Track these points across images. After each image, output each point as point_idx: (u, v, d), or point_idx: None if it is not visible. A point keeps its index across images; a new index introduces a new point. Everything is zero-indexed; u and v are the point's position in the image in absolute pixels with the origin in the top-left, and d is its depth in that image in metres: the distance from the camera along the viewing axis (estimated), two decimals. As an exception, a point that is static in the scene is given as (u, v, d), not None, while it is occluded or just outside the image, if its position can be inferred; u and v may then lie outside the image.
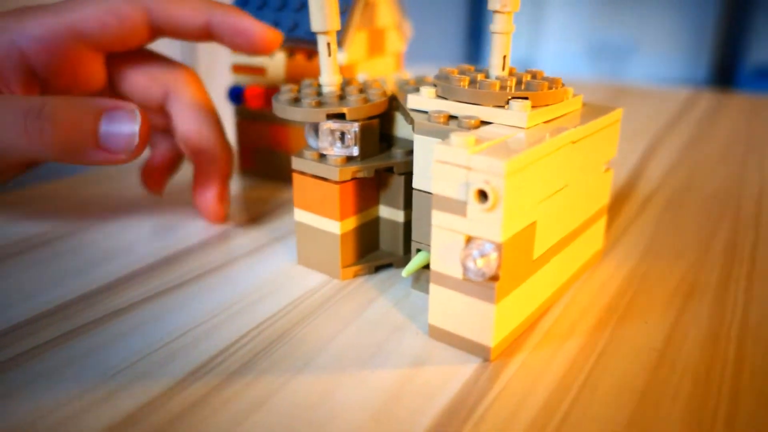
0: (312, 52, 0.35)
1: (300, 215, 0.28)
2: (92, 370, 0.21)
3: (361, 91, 0.27)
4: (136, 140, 0.25)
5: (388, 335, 0.24)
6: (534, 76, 0.26)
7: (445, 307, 0.23)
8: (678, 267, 0.29)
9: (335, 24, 0.26)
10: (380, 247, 0.29)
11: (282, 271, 0.28)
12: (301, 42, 0.35)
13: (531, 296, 0.24)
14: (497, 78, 0.25)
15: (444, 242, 0.22)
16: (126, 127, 0.25)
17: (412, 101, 0.26)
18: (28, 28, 0.27)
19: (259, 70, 0.37)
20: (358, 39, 0.35)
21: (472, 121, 0.24)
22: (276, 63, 0.36)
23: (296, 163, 0.27)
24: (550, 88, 0.25)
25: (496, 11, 0.25)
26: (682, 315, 0.25)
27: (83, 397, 0.20)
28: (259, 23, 0.29)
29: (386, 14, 0.38)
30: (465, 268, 0.21)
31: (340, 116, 0.26)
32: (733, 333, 0.24)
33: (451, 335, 0.23)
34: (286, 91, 0.27)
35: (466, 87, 0.24)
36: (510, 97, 0.24)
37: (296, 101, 0.26)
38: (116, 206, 0.35)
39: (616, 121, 0.27)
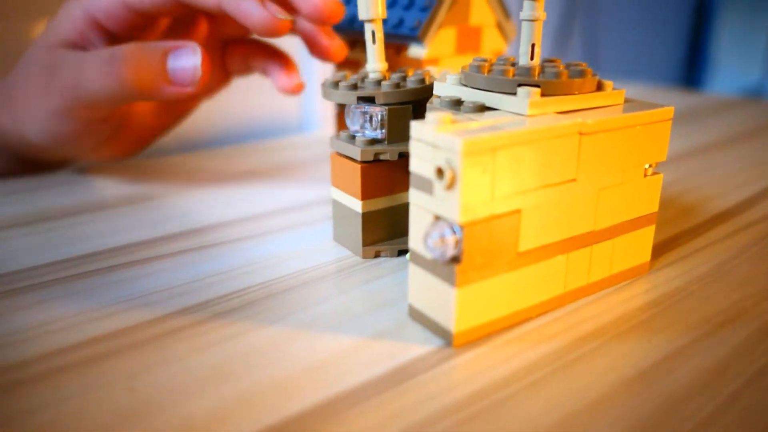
0: (400, 47, 0.36)
1: (335, 193, 0.29)
2: (108, 296, 0.25)
3: (404, 79, 0.28)
4: (199, 72, 0.29)
5: (373, 309, 0.24)
6: (567, 66, 0.25)
7: (420, 287, 0.23)
8: (732, 296, 0.25)
9: (379, 13, 0.28)
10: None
11: (316, 244, 0.30)
12: (395, 37, 0.36)
13: (517, 291, 0.23)
14: (523, 66, 0.24)
15: (418, 221, 0.22)
16: (189, 61, 0.29)
17: (438, 88, 0.26)
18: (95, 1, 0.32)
19: (355, 63, 0.39)
20: (444, 35, 0.36)
21: (476, 105, 0.23)
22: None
23: (333, 143, 0.29)
24: (571, 77, 0.24)
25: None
26: (697, 343, 0.22)
27: (85, 314, 0.23)
28: (264, 10, 0.29)
29: (483, 12, 0.38)
30: (426, 247, 0.21)
31: (371, 100, 0.27)
32: (738, 381, 0.20)
33: (424, 316, 0.23)
34: (337, 77, 0.29)
35: (484, 74, 0.24)
36: (518, 84, 0.23)
37: (337, 85, 0.28)
38: (217, 180, 0.40)
39: (664, 120, 0.25)
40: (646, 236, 0.26)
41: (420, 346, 0.22)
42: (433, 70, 0.32)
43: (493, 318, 0.22)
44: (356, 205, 0.28)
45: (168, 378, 0.20)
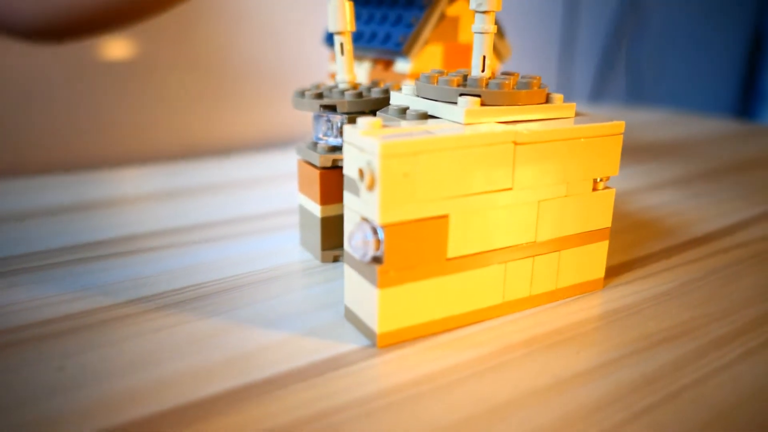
0: (389, 63, 0.37)
1: (300, 199, 0.30)
2: (67, 286, 0.26)
3: (369, 90, 0.29)
4: None
5: (314, 309, 0.25)
6: (519, 79, 0.25)
7: (352, 288, 0.23)
8: (682, 316, 0.25)
9: (347, 26, 0.29)
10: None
11: (282, 248, 0.31)
12: (382, 52, 0.37)
13: (448, 297, 0.23)
14: (472, 77, 0.25)
15: (349, 222, 0.23)
16: None
17: (394, 97, 0.27)
18: None
19: (346, 78, 0.40)
20: (430, 51, 0.37)
21: (418, 114, 0.24)
22: (362, 70, 0.39)
23: (298, 150, 0.29)
24: (516, 88, 0.24)
25: (475, 10, 0.25)
26: (627, 358, 0.22)
27: (38, 300, 0.25)
28: None
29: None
30: (350, 247, 0.22)
31: (335, 109, 0.28)
32: (655, 397, 0.20)
33: (355, 317, 0.23)
34: (306, 87, 0.30)
35: (432, 84, 0.25)
36: (460, 94, 0.24)
37: (303, 94, 0.29)
38: (210, 186, 0.41)
39: (613, 134, 0.25)
40: (599, 251, 0.26)
41: (346, 344, 0.22)
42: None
43: (421, 322, 0.23)
44: (316, 209, 0.29)
45: (99, 360, 0.21)
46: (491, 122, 0.23)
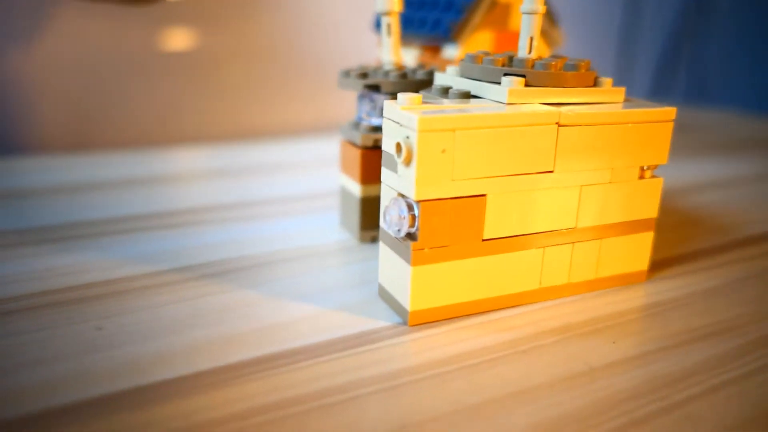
0: (437, 49, 0.37)
1: (342, 179, 0.30)
2: (110, 254, 0.27)
3: (414, 72, 0.29)
4: None
5: (348, 286, 0.25)
6: (566, 61, 0.24)
7: (386, 266, 0.23)
8: (729, 312, 0.24)
9: (395, 6, 0.28)
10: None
11: (324, 227, 0.31)
12: (431, 38, 0.37)
13: (482, 279, 0.22)
14: (518, 58, 0.24)
15: (386, 199, 0.22)
16: None
17: (438, 78, 0.27)
18: None
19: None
20: (479, 38, 0.36)
21: (461, 93, 0.24)
22: (410, 56, 0.39)
23: (342, 131, 0.30)
24: (562, 69, 0.23)
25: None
26: (666, 351, 0.21)
27: (83, 265, 0.26)
28: None
29: (525, 18, 0.37)
30: (385, 222, 0.22)
31: (378, 89, 0.28)
32: (691, 391, 0.19)
33: (388, 294, 0.23)
34: (354, 69, 0.30)
35: (477, 64, 0.24)
36: (504, 74, 0.23)
37: (349, 74, 0.29)
38: (257, 167, 0.42)
39: (663, 120, 0.24)
40: (643, 242, 0.25)
41: (376, 321, 0.22)
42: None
43: (454, 302, 0.22)
44: (356, 189, 0.29)
45: (135, 322, 0.22)
46: (535, 103, 0.23)
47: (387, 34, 0.29)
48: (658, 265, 0.28)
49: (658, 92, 1.07)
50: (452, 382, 0.19)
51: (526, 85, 0.23)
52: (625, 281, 0.26)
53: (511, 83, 0.22)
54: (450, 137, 0.20)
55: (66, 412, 0.17)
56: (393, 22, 0.29)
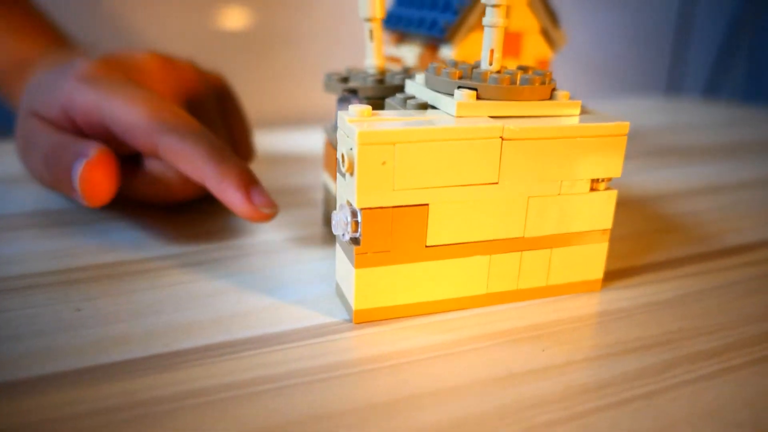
0: (435, 48, 0.38)
1: (324, 177, 0.32)
2: (88, 240, 0.30)
3: (394, 76, 0.30)
4: (76, 182, 0.27)
5: (313, 280, 0.27)
6: (525, 72, 0.25)
7: (339, 265, 0.25)
8: (671, 326, 0.24)
9: (377, 13, 0.30)
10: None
11: (307, 221, 0.33)
12: (428, 38, 0.38)
13: (426, 282, 0.24)
14: (476, 70, 0.25)
15: (339, 202, 0.24)
16: (77, 169, 0.27)
17: (408, 85, 0.28)
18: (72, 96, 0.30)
19: (397, 60, 0.41)
20: (475, 38, 0.37)
21: (418, 103, 0.25)
22: (412, 55, 0.40)
23: (325, 129, 0.31)
24: (514, 83, 0.24)
25: (485, 4, 0.25)
26: (591, 362, 0.22)
27: (68, 250, 0.29)
28: (248, 204, 0.27)
29: (524, 18, 0.38)
30: (332, 227, 0.23)
31: (355, 93, 0.29)
32: (599, 402, 0.20)
33: (341, 292, 0.25)
34: (339, 72, 0.32)
35: (436, 75, 0.25)
36: (458, 86, 0.24)
37: (330, 78, 0.31)
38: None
39: (615, 135, 0.24)
40: (597, 252, 0.26)
41: (327, 317, 0.24)
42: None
43: (398, 303, 0.24)
44: (335, 188, 0.30)
45: (111, 305, 0.24)
46: (484, 116, 0.24)
47: (369, 39, 0.30)
48: (620, 273, 0.28)
49: (714, 89, 1.03)
50: (378, 379, 0.20)
51: (478, 98, 0.24)
52: (578, 289, 0.26)
53: (462, 96, 0.23)
54: (390, 150, 0.22)
55: (32, 384, 0.19)
56: (375, 28, 0.30)
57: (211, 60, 0.62)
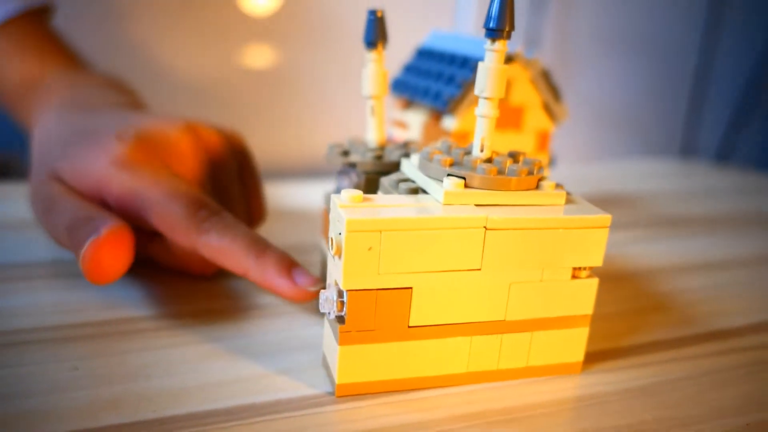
0: (439, 117, 0.39)
1: (322, 243, 0.33)
2: (115, 292, 0.31)
3: (393, 152, 0.31)
4: (87, 261, 0.27)
5: (301, 348, 0.28)
6: (515, 159, 0.26)
7: (327, 338, 0.26)
8: (642, 415, 0.25)
9: (379, 91, 0.31)
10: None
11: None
12: (430, 109, 0.39)
13: (408, 360, 0.25)
14: (467, 157, 0.26)
15: (328, 281, 0.25)
16: (90, 247, 0.27)
17: (404, 165, 0.29)
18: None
19: (402, 125, 0.42)
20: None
21: (410, 188, 0.26)
22: (417, 121, 0.41)
23: (324, 198, 0.32)
24: (502, 173, 0.25)
25: (478, 96, 0.26)
26: (564, 445, 0.23)
27: (62, 305, 0.30)
28: (294, 286, 0.28)
29: (525, 93, 0.39)
30: (320, 304, 0.24)
31: (354, 166, 0.31)
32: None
33: (326, 363, 0.26)
34: (340, 144, 0.33)
35: (428, 161, 0.27)
36: (448, 174, 0.25)
37: (333, 150, 0.32)
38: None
39: (598, 227, 0.25)
40: (577, 336, 0.27)
41: (310, 388, 0.25)
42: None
43: (380, 379, 0.25)
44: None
45: (108, 366, 0.25)
46: (470, 205, 0.25)
47: (371, 115, 0.32)
48: (602, 354, 0.29)
49: (727, 153, 1.03)
50: (350, 458, 0.21)
51: (466, 186, 0.25)
52: (559, 371, 0.27)
53: (450, 186, 0.25)
54: (376, 237, 0.23)
55: (18, 448, 0.20)
56: (377, 105, 0.32)
57: (225, 96, 0.64)
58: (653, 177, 0.67)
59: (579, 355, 0.27)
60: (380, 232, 0.23)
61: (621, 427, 0.24)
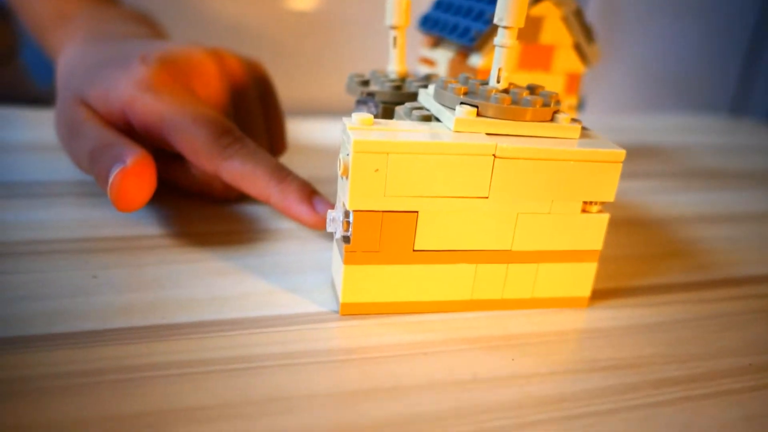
0: (466, 55, 0.39)
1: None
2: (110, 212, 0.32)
3: (412, 83, 0.31)
4: (115, 186, 0.27)
5: (311, 270, 0.28)
6: (532, 92, 0.26)
7: (334, 258, 0.26)
8: (644, 350, 0.25)
9: (401, 21, 0.31)
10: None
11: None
12: (459, 45, 0.39)
13: (412, 284, 0.25)
14: (483, 87, 0.26)
15: (338, 201, 0.26)
16: (116, 173, 0.27)
17: (420, 96, 0.29)
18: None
19: (431, 62, 0.42)
20: (504, 49, 0.37)
21: (422, 115, 0.26)
22: (445, 59, 0.41)
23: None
24: (516, 104, 0.25)
25: (497, 25, 0.26)
26: (556, 375, 0.23)
27: (89, 221, 0.31)
28: (315, 213, 0.29)
29: (556, 32, 0.38)
30: (327, 224, 0.25)
31: (373, 96, 0.31)
32: (555, 414, 0.21)
33: (333, 284, 0.27)
34: (362, 74, 0.33)
35: (443, 90, 0.27)
36: (460, 102, 0.25)
37: (352, 79, 0.32)
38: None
39: (611, 162, 0.25)
40: (585, 271, 0.27)
41: (316, 306, 0.26)
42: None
43: (384, 300, 0.25)
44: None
45: (125, 276, 0.26)
46: (481, 133, 0.25)
47: (393, 46, 0.32)
48: (610, 292, 0.29)
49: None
50: (347, 369, 0.22)
51: (479, 115, 0.25)
52: (564, 304, 0.27)
53: (461, 113, 0.25)
54: (383, 159, 0.23)
55: (41, 340, 0.22)
56: (399, 35, 0.31)
57: (247, 34, 0.64)
58: (695, 132, 0.65)
59: (586, 290, 0.27)
60: (387, 154, 0.23)
61: (617, 359, 0.24)
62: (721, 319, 0.28)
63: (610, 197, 0.26)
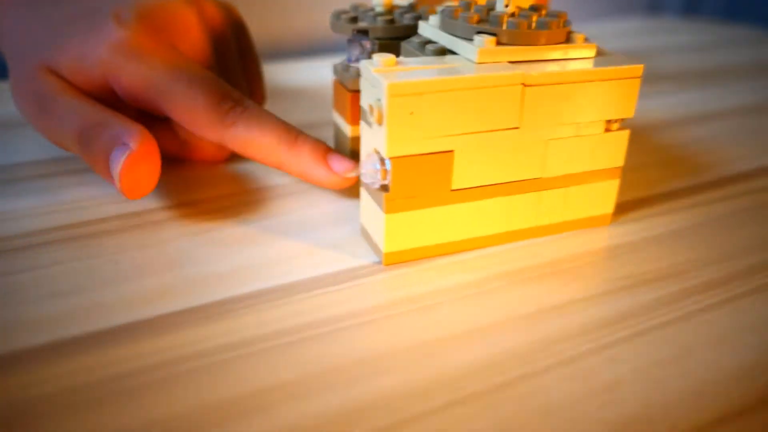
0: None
1: (335, 117, 0.32)
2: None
3: (402, 15, 0.30)
4: (120, 173, 0.25)
5: (334, 223, 0.27)
6: (539, 14, 0.25)
7: (366, 209, 0.26)
8: (677, 257, 0.26)
9: (386, -51, 0.29)
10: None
11: (319, 161, 0.33)
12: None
13: (451, 224, 0.25)
14: (493, 13, 0.25)
15: (364, 149, 0.25)
16: (118, 158, 0.25)
17: (421, 28, 0.28)
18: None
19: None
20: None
21: (437, 49, 0.25)
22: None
23: (333, 69, 0.31)
24: (533, 27, 0.24)
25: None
26: (607, 295, 0.23)
27: (94, 200, 0.29)
28: (333, 175, 0.27)
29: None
30: (362, 175, 0.24)
31: (367, 33, 0.29)
32: (619, 335, 0.22)
33: (368, 235, 0.26)
34: (346, 10, 0.31)
35: (453, 20, 0.25)
36: (477, 32, 0.24)
37: (339, 17, 0.30)
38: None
39: (629, 77, 0.25)
40: (609, 189, 0.27)
41: (357, 259, 0.25)
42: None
43: (425, 245, 0.25)
44: (347, 129, 0.31)
45: (145, 257, 0.25)
46: (504, 62, 0.24)
47: (378, -23, 0.30)
48: (628, 205, 0.30)
49: (694, 5, 1.02)
50: (412, 321, 0.22)
51: (498, 43, 0.24)
52: (590, 224, 0.28)
53: (483, 43, 0.24)
54: (417, 100, 0.22)
55: (82, 342, 0.20)
56: (384, -34, 0.30)
57: None
58: (626, 35, 0.66)
59: (609, 207, 0.28)
60: (422, 95, 0.22)
61: (657, 271, 0.25)
62: (739, 216, 0.29)
63: (630, 113, 0.26)
